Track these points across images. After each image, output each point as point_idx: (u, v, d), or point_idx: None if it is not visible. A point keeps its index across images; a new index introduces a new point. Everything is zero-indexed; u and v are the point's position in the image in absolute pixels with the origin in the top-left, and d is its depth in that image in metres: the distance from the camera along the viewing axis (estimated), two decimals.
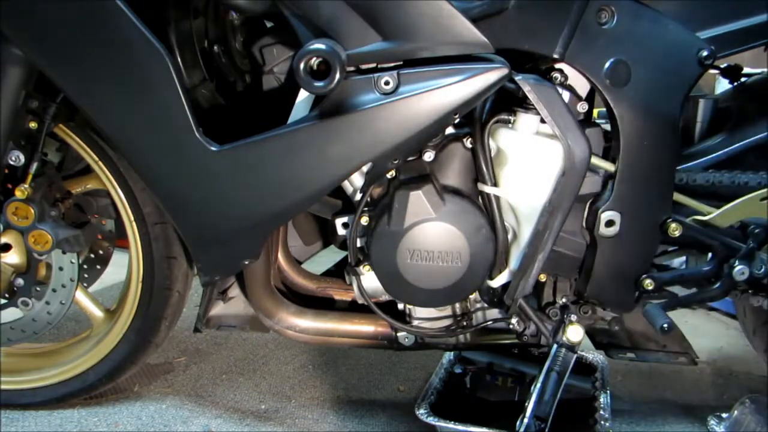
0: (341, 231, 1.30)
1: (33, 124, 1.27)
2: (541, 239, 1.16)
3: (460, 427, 1.27)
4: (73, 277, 1.36)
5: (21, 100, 1.21)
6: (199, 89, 1.27)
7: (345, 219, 1.29)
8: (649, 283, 1.21)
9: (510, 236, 1.23)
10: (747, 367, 1.82)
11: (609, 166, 1.17)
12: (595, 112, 1.27)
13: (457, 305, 1.35)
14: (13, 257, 1.37)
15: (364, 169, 1.18)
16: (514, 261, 1.22)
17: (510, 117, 1.16)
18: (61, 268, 1.35)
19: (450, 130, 1.20)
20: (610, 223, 1.18)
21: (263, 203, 1.14)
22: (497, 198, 1.19)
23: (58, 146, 1.42)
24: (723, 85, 1.61)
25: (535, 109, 1.10)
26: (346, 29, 1.03)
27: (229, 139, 1.10)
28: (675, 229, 1.18)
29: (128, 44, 1.05)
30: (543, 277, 1.30)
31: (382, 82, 1.04)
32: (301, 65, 0.98)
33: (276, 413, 1.49)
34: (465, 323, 1.34)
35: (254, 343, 1.86)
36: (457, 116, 1.08)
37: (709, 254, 1.24)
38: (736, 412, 1.24)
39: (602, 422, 1.29)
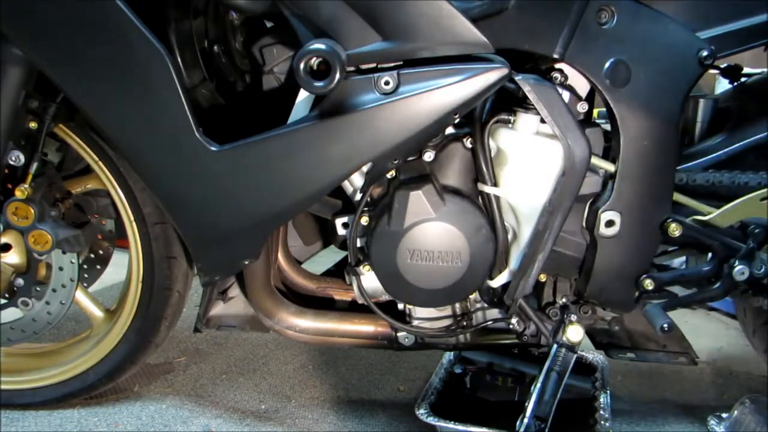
0: (341, 231, 1.30)
1: (33, 124, 1.27)
2: (541, 239, 1.16)
3: (460, 427, 1.27)
4: (73, 277, 1.36)
5: (21, 100, 1.21)
6: (199, 89, 1.27)
7: (345, 219, 1.29)
8: (649, 283, 1.21)
9: (510, 236, 1.23)
10: (747, 367, 1.82)
11: (609, 166, 1.17)
12: (595, 112, 1.26)
13: (457, 305, 1.35)
14: (13, 257, 1.37)
15: (364, 169, 1.18)
16: (514, 261, 1.22)
17: (510, 117, 1.16)
18: (61, 268, 1.35)
19: (450, 130, 1.20)
20: (610, 223, 1.18)
21: (263, 203, 1.14)
22: (497, 198, 1.19)
23: (58, 146, 1.42)
24: (723, 85, 1.61)
25: (535, 109, 1.10)
26: (346, 29, 1.03)
27: (229, 139, 1.10)
28: (675, 229, 1.18)
29: (128, 44, 1.05)
30: (543, 277, 1.30)
31: (382, 82, 1.04)
32: (301, 65, 0.98)
33: (276, 413, 1.49)
34: (465, 323, 1.34)
35: (254, 343, 1.86)
36: (457, 116, 1.08)
37: (709, 254, 1.24)
38: (736, 412, 1.24)
39: (602, 422, 1.30)
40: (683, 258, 1.36)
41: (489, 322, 1.34)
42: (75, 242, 1.32)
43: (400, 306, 1.36)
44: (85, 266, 1.52)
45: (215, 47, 1.33)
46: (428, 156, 1.20)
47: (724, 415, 1.28)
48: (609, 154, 1.19)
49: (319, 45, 0.99)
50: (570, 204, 1.14)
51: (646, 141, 1.15)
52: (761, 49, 1.23)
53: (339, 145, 1.07)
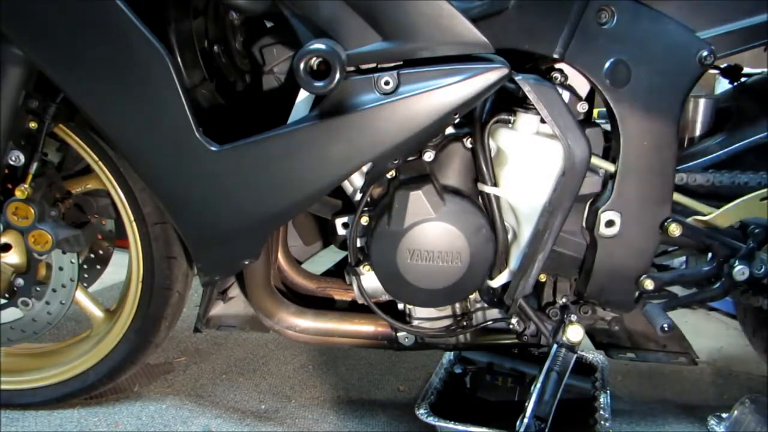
0: (341, 231, 1.30)
1: (33, 124, 1.27)
2: (541, 239, 1.16)
3: (460, 427, 1.27)
4: (73, 277, 1.36)
5: (21, 100, 1.21)
6: (199, 89, 1.27)
7: (345, 219, 1.29)
8: (649, 283, 1.21)
9: (510, 236, 1.23)
10: (747, 367, 1.82)
11: (609, 166, 1.17)
12: (595, 112, 1.26)
13: (457, 305, 1.35)
14: (13, 257, 1.37)
15: (364, 169, 1.18)
16: (514, 261, 1.22)
17: (510, 117, 1.16)
18: (61, 268, 1.35)
19: (450, 130, 1.20)
20: (610, 223, 1.18)
21: (263, 203, 1.14)
22: (497, 198, 1.19)
23: (58, 146, 1.42)
24: (723, 85, 1.61)
25: (535, 109, 1.10)
26: (346, 29, 1.03)
27: (229, 139, 1.10)
28: (675, 229, 1.18)
29: (128, 44, 1.05)
30: (543, 277, 1.30)
31: (382, 82, 1.04)
32: (301, 65, 0.98)
33: (276, 413, 1.49)
34: (465, 323, 1.35)
35: (254, 343, 1.86)
36: (457, 116, 1.08)
37: (709, 254, 1.24)
38: (736, 412, 1.24)
39: (602, 422, 1.29)
40: (683, 258, 1.36)
41: (489, 322, 1.34)
42: (75, 242, 1.32)
43: (400, 306, 1.36)
44: (85, 266, 1.52)
45: (215, 47, 1.33)
46: (428, 156, 1.20)
47: (724, 415, 1.28)
48: (609, 154, 1.19)
49: (319, 45, 0.99)
50: (570, 204, 1.14)
51: (646, 141, 1.15)
52: (761, 49, 1.23)
53: (339, 145, 1.07)
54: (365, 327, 1.41)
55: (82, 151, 1.32)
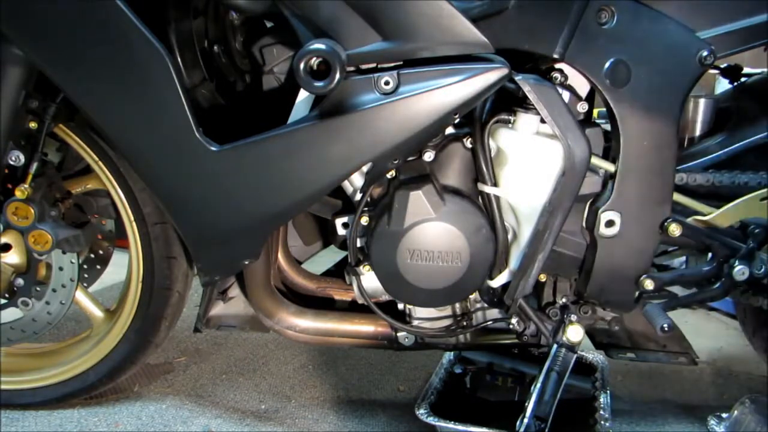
0: (341, 231, 1.30)
1: (33, 124, 1.27)
2: (541, 239, 1.16)
3: (460, 427, 1.27)
4: (73, 277, 1.36)
5: (21, 100, 1.21)
6: (199, 89, 1.27)
7: (345, 219, 1.29)
8: (649, 283, 1.21)
9: (510, 236, 1.23)
10: (747, 367, 1.82)
11: (609, 166, 1.17)
12: (595, 112, 1.26)
13: (457, 305, 1.35)
14: (13, 257, 1.37)
15: (364, 169, 1.18)
16: (514, 261, 1.22)
17: (510, 117, 1.16)
18: (61, 268, 1.35)
19: (450, 130, 1.20)
20: (610, 223, 1.18)
21: (263, 203, 1.14)
22: (497, 198, 1.19)
23: (58, 146, 1.42)
24: (723, 85, 1.61)
25: (535, 109, 1.10)
26: (346, 29, 1.03)
27: (229, 139, 1.10)
28: (675, 229, 1.18)
29: (128, 44, 1.05)
30: (543, 277, 1.30)
31: (382, 82, 1.04)
32: (301, 65, 0.98)
33: (276, 413, 1.49)
34: (465, 323, 1.34)
35: (254, 343, 1.86)
36: (457, 116, 1.08)
37: (709, 254, 1.24)
38: (736, 412, 1.24)
39: (602, 422, 1.29)
40: (683, 258, 1.36)
41: (489, 322, 1.34)
42: (75, 242, 1.32)
43: (400, 306, 1.36)
44: (85, 266, 1.52)
45: (215, 47, 1.33)
46: (428, 156, 1.20)
47: (724, 415, 1.28)
48: (609, 154, 1.19)
49: (319, 45, 0.99)
50: (570, 204, 1.14)
51: (646, 141, 1.15)
52: (761, 49, 1.23)
53: (339, 145, 1.07)
54: (365, 327, 1.41)
55: (82, 151, 1.32)
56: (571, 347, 1.20)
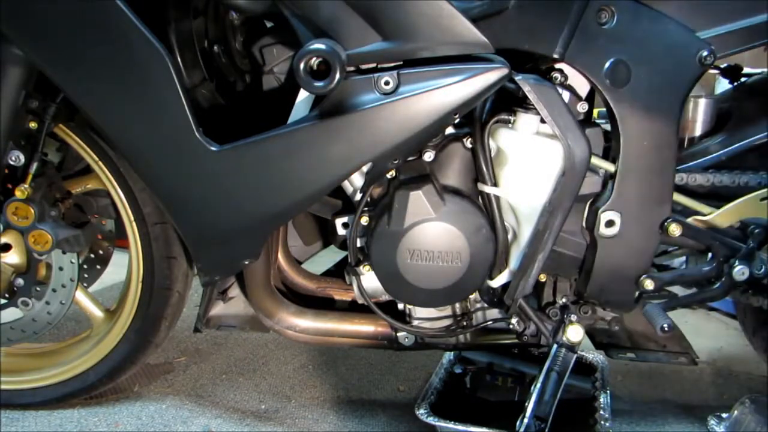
0: (341, 231, 1.30)
1: (33, 124, 1.27)
2: (541, 239, 1.16)
3: (460, 427, 1.27)
4: (73, 277, 1.36)
5: (21, 100, 1.21)
6: (199, 89, 1.27)
7: (345, 219, 1.29)
8: (649, 283, 1.21)
9: (510, 236, 1.23)
10: (747, 367, 1.82)
11: (609, 166, 1.17)
12: (595, 112, 1.26)
13: (457, 305, 1.35)
14: (13, 257, 1.37)
15: (364, 169, 1.18)
16: (514, 261, 1.22)
17: (510, 117, 1.16)
18: (61, 268, 1.35)
19: (450, 130, 1.20)
20: (610, 223, 1.18)
21: (263, 203, 1.14)
22: (497, 198, 1.19)
23: (58, 146, 1.42)
24: (723, 85, 1.61)
25: (535, 109, 1.10)
26: (346, 29, 1.03)
27: (229, 139, 1.10)
28: (675, 229, 1.18)
29: (128, 44, 1.05)
30: (543, 277, 1.30)
31: (382, 82, 1.04)
32: (301, 65, 0.98)
33: (276, 413, 1.49)
34: (465, 323, 1.34)
35: (254, 343, 1.86)
36: (457, 116, 1.08)
37: (709, 254, 1.24)
38: (736, 412, 1.24)
39: (602, 422, 1.29)
40: (683, 258, 1.36)
41: (489, 322, 1.34)
42: (75, 242, 1.32)
43: (400, 306, 1.36)
44: (85, 266, 1.52)
45: (215, 47, 1.33)
46: (428, 156, 1.20)
47: (724, 415, 1.28)
48: (609, 154, 1.19)
49: (319, 45, 0.99)
50: (570, 204, 1.14)
51: (646, 141, 1.15)
52: (761, 49, 1.23)
53: (339, 145, 1.07)
54: (365, 327, 1.41)
55: (82, 151, 1.32)
56: (571, 347, 1.20)
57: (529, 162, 1.16)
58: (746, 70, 1.47)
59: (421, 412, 1.32)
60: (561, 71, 1.16)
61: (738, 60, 1.40)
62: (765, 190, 1.19)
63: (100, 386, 1.45)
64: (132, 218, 1.33)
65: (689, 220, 1.19)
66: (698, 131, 1.36)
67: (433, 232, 1.17)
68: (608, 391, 1.41)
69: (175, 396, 1.55)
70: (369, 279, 1.28)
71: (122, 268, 1.45)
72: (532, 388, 1.17)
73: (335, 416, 1.48)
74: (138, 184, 1.31)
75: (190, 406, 1.50)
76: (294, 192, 1.12)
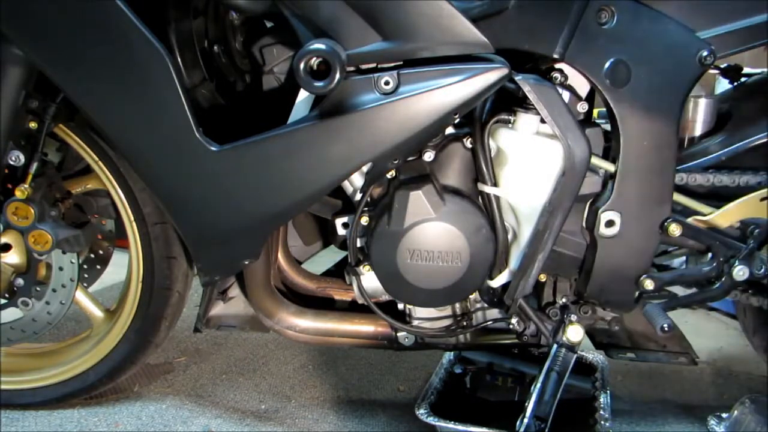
0: (341, 231, 1.30)
1: (33, 124, 1.27)
2: (541, 239, 1.16)
3: (460, 427, 1.27)
4: (73, 277, 1.36)
5: (21, 100, 1.21)
6: (199, 89, 1.27)
7: (345, 219, 1.29)
8: (649, 283, 1.21)
9: (510, 236, 1.23)
10: (747, 367, 1.82)
11: (609, 166, 1.17)
12: (595, 112, 1.26)
13: (457, 305, 1.35)
14: (13, 257, 1.37)
15: (364, 169, 1.18)
16: (514, 261, 1.22)
17: (510, 117, 1.16)
18: (61, 268, 1.35)
19: (450, 130, 1.20)
20: (610, 223, 1.18)
21: (263, 203, 1.14)
22: (497, 198, 1.19)
23: (58, 146, 1.42)
24: (723, 85, 1.61)
25: (535, 109, 1.10)
26: (346, 29, 1.03)
27: (229, 139, 1.10)
28: (675, 229, 1.18)
29: (128, 44, 1.05)
30: (543, 277, 1.30)
31: (382, 82, 1.04)
32: (301, 65, 0.98)
33: (276, 413, 1.49)
34: (465, 323, 1.34)
35: (254, 343, 1.86)
36: (457, 116, 1.08)
37: (709, 254, 1.24)
38: (736, 412, 1.24)
39: (602, 422, 1.29)
40: (683, 258, 1.36)
41: (489, 322, 1.34)
42: (75, 242, 1.32)
43: (400, 306, 1.36)
44: (85, 266, 1.52)
45: (215, 47, 1.33)
46: (428, 156, 1.20)
47: (724, 415, 1.28)
48: (609, 154, 1.19)
49: (319, 45, 0.99)
50: (570, 204, 1.14)
51: (646, 141, 1.15)
52: (761, 49, 1.23)
53: (339, 145, 1.07)
54: (365, 327, 1.41)
55: (82, 151, 1.32)
56: (571, 347, 1.20)
57: (529, 162, 1.16)
58: (746, 70, 1.47)
59: (421, 412, 1.32)
60: (561, 71, 1.16)
61: (738, 60, 1.40)
62: (765, 190, 1.19)
63: (100, 386, 1.45)
64: (132, 218, 1.33)
65: (689, 220, 1.20)
66: (698, 131, 1.36)
67: (433, 232, 1.17)
68: (608, 391, 1.41)
69: (175, 396, 1.55)
70: (369, 279, 1.28)
71: (122, 268, 1.45)
72: (532, 388, 1.17)
73: (335, 416, 1.48)
74: (138, 184, 1.31)
75: (190, 406, 1.50)
76: (294, 192, 1.12)
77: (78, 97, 1.11)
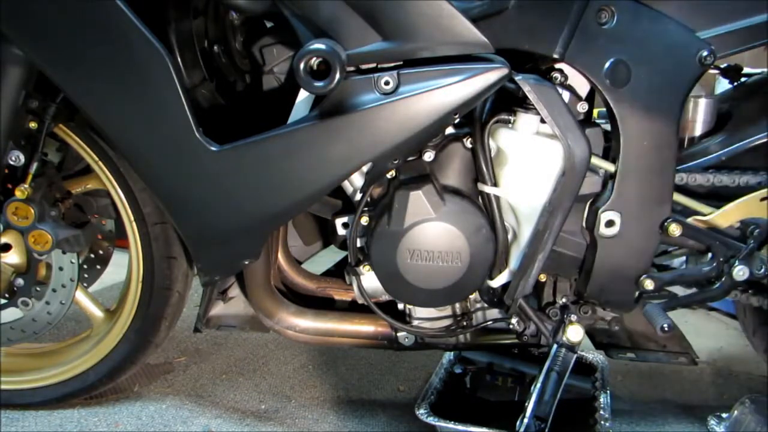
0: (341, 231, 1.30)
1: (33, 124, 1.27)
2: (541, 239, 1.16)
3: (460, 427, 1.27)
4: (73, 277, 1.36)
5: (21, 100, 1.21)
6: (199, 89, 1.27)
7: (345, 219, 1.29)
8: (649, 283, 1.21)
9: (510, 236, 1.23)
10: (747, 367, 1.82)
11: (609, 166, 1.17)
12: (595, 112, 1.26)
13: (457, 305, 1.35)
14: (13, 257, 1.37)
15: (364, 169, 1.18)
16: (514, 261, 1.22)
17: (510, 117, 1.16)
18: (61, 268, 1.35)
19: (450, 130, 1.20)
20: (610, 223, 1.18)
21: (263, 203, 1.14)
22: (497, 198, 1.19)
23: (58, 146, 1.42)
24: (723, 85, 1.61)
25: (535, 109, 1.10)
26: (346, 29, 1.03)
27: (229, 139, 1.10)
28: (675, 229, 1.18)
29: (128, 44, 1.05)
30: (543, 277, 1.30)
31: (382, 82, 1.04)
32: (301, 65, 0.98)
33: (276, 413, 1.49)
34: (465, 323, 1.35)
35: (254, 343, 1.86)
36: (457, 116, 1.08)
37: (709, 254, 1.24)
38: (736, 412, 1.24)
39: (602, 422, 1.29)
40: (683, 258, 1.36)
41: (489, 322, 1.34)
42: (75, 242, 1.32)
43: (400, 306, 1.36)
44: (85, 266, 1.52)
45: (215, 47, 1.33)
46: (428, 156, 1.20)
47: (724, 415, 1.28)
48: (609, 154, 1.19)
49: (319, 45, 0.99)
50: (570, 204, 1.14)
51: (646, 141, 1.15)
52: (761, 49, 1.23)
53: (339, 145, 1.07)
54: (365, 327, 1.41)
55: (82, 151, 1.32)
56: (571, 347, 1.20)
57: (529, 162, 1.16)
58: (746, 70, 1.47)
59: (421, 412, 1.32)
60: (561, 71, 1.16)
61: (738, 60, 1.39)
62: (765, 190, 1.19)
63: (100, 386, 1.45)
64: (132, 218, 1.33)
65: (689, 220, 1.20)
66: (698, 131, 1.36)
67: (433, 232, 1.17)
68: (608, 391, 1.41)
69: (175, 396, 1.55)
70: (369, 279, 1.28)
71: (122, 268, 1.45)
72: (532, 388, 1.17)
73: (335, 416, 1.48)
74: (138, 184, 1.31)
75: (190, 406, 1.50)
76: (294, 192, 1.12)
77: (78, 97, 1.11)
